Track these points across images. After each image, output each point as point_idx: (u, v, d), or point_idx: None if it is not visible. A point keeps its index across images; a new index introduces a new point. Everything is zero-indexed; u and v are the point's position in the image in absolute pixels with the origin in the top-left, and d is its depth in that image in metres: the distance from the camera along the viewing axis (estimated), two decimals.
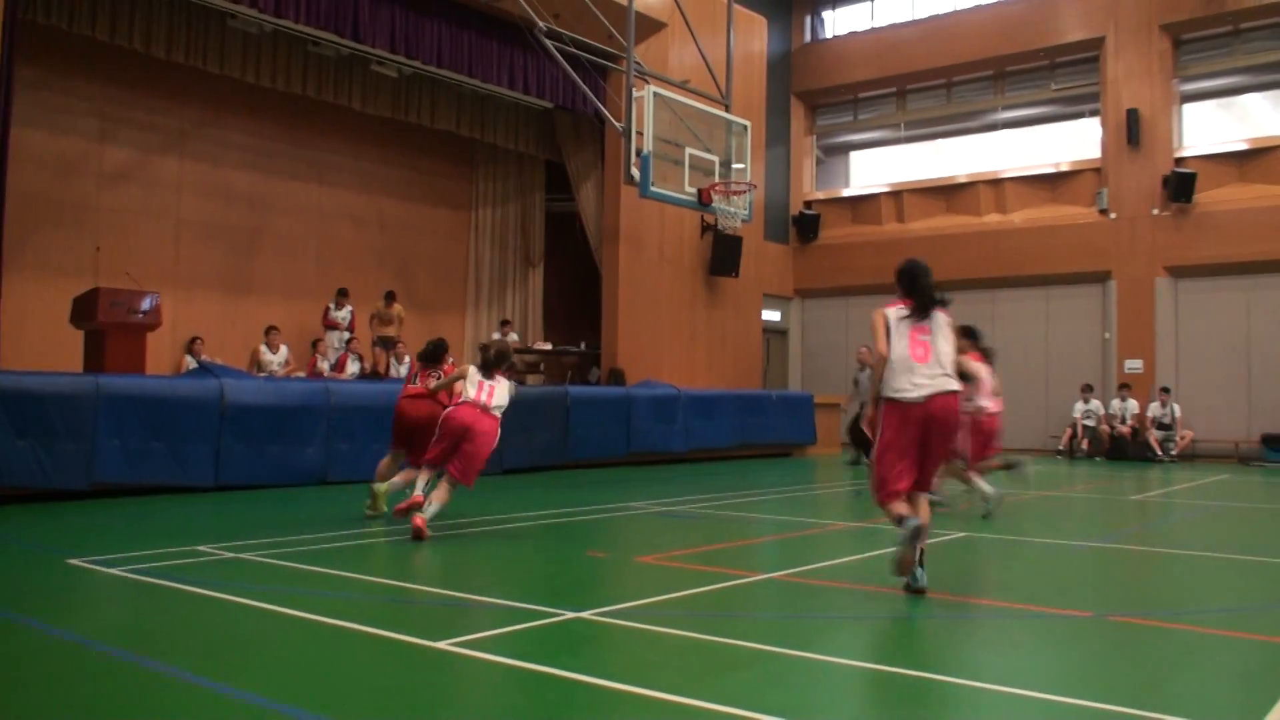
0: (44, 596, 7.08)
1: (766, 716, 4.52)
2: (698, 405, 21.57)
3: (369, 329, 21.65)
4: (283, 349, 19.90)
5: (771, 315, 30.09)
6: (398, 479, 11.13)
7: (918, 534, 7.26)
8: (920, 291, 7.90)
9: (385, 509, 11.09)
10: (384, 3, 18.93)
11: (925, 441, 7.63)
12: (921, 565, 7.39)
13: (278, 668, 5.35)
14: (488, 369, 10.53)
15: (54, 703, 4.72)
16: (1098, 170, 26.97)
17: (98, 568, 7.92)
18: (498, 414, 10.38)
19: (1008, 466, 13.63)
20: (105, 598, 7.20)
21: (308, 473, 14.97)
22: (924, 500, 7.74)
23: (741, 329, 26.36)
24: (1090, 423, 25.34)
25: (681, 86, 18.93)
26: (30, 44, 17.56)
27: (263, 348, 19.69)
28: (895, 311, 7.88)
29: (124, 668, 5.29)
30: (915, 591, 7.40)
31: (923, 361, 7.68)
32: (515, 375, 11.58)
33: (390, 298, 21.74)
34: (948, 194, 29.72)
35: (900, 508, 7.46)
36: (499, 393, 10.41)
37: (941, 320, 7.87)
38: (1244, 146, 25.35)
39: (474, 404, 10.26)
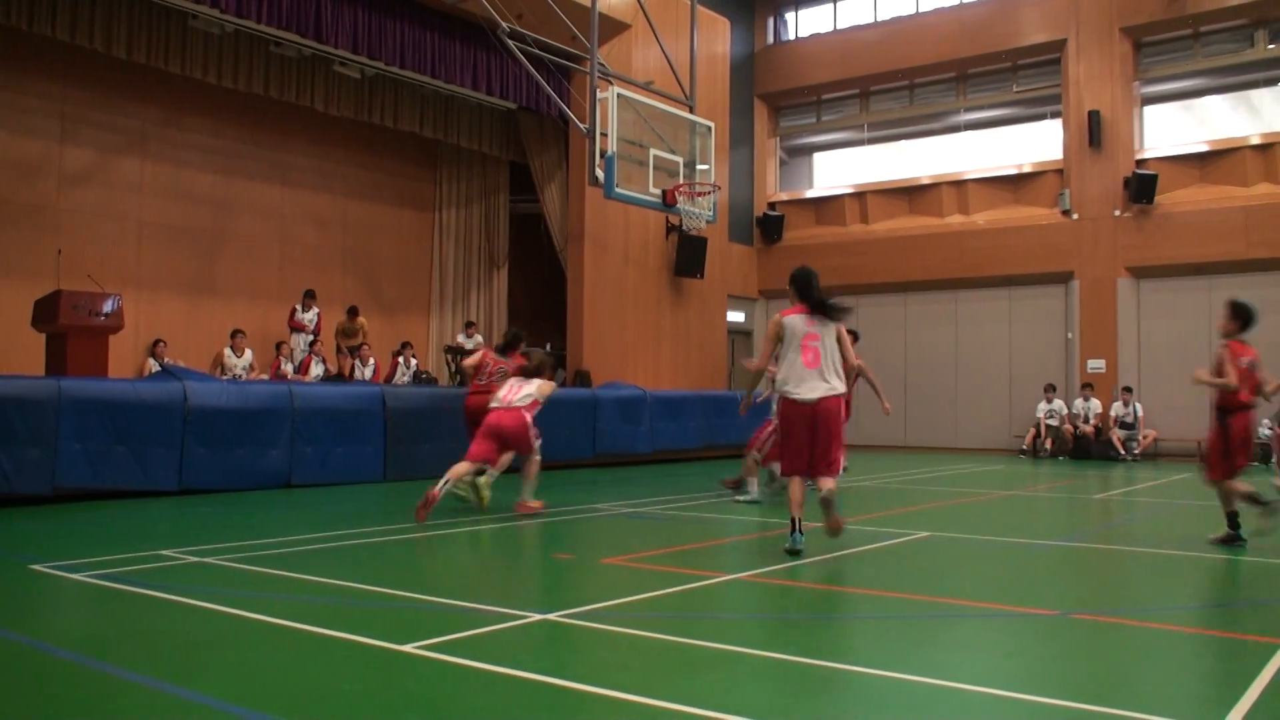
0: (6, 602, 7.03)
1: (733, 717, 4.52)
2: (663, 406, 21.59)
3: (333, 340, 21.58)
4: (247, 353, 19.79)
5: (736, 316, 30.12)
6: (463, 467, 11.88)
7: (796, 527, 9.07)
8: (811, 297, 9.49)
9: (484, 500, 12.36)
10: (346, 3, 18.87)
11: (814, 435, 9.12)
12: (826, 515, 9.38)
13: (242, 672, 5.32)
14: (525, 375, 12.54)
15: (15, 709, 4.68)
16: (1060, 171, 27.14)
17: (61, 573, 7.86)
18: (522, 403, 12.06)
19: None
20: (68, 603, 7.15)
21: (272, 476, 14.92)
22: (829, 480, 9.23)
23: (706, 330, 26.40)
24: (1053, 422, 25.47)
25: (645, 88, 18.94)
26: None
27: (227, 351, 19.58)
28: (790, 319, 9.41)
29: (87, 673, 5.26)
30: (792, 552, 9.00)
31: (813, 367, 9.18)
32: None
33: (353, 313, 21.66)
34: (911, 195, 29.85)
35: (796, 492, 9.30)
36: (524, 388, 12.19)
37: (830, 326, 9.42)
38: (1204, 148, 25.57)
39: (501, 404, 12.06)
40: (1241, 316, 10.65)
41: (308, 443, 15.46)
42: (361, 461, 16.21)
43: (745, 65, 31.57)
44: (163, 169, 20.35)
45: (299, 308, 21.04)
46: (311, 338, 20.90)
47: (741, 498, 13.91)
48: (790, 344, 9.30)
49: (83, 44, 17.59)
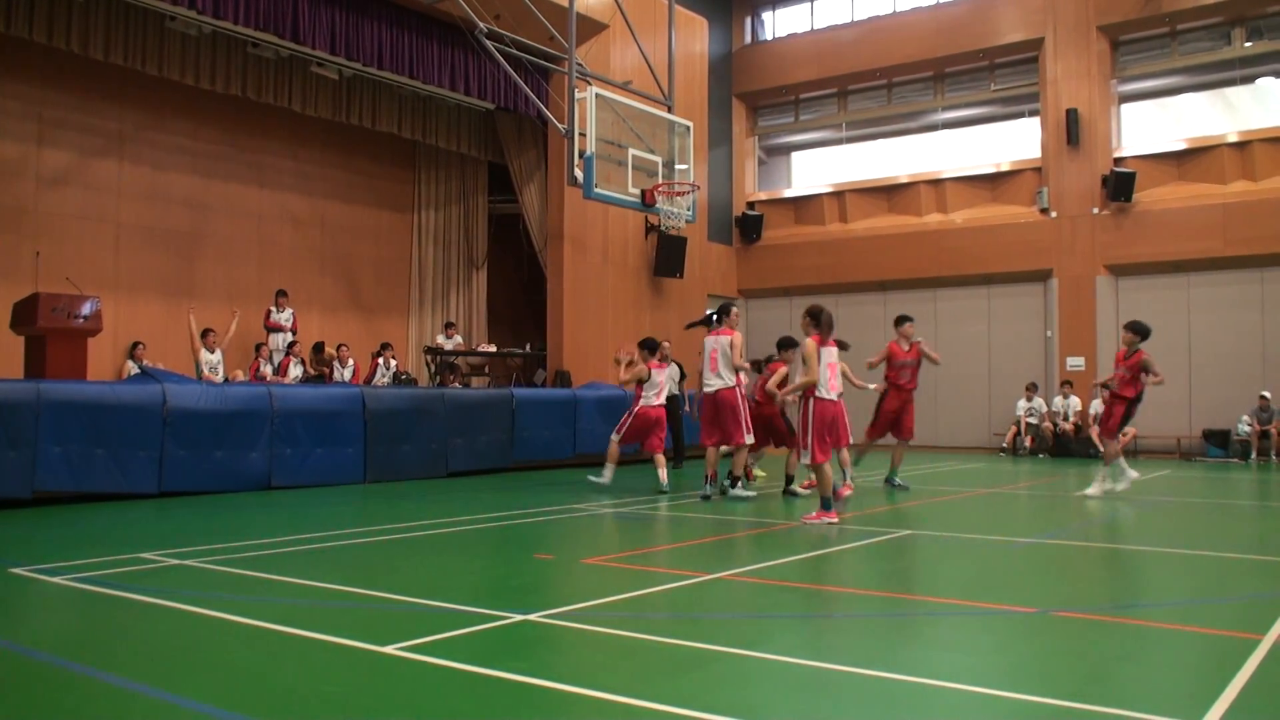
0: None
1: (716, 717, 4.53)
2: None
3: (310, 367, 21.40)
4: (217, 351, 19.60)
5: None
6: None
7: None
8: (709, 321, 14.35)
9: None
10: (323, 4, 18.83)
11: (715, 416, 14.19)
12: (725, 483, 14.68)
13: (223, 675, 5.31)
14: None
15: None
16: (1038, 170, 27.20)
17: (41, 576, 7.83)
18: None
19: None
20: (48, 606, 7.13)
21: (252, 478, 14.91)
22: (743, 452, 14.63)
23: (686, 330, 26.37)
24: (1033, 420, 25.52)
25: (623, 87, 18.93)
26: None
27: (202, 350, 19.42)
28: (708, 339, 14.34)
29: (66, 676, 5.24)
30: (704, 498, 14.04)
31: (712, 370, 14.17)
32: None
33: (320, 348, 21.47)
34: (889, 194, 29.88)
35: (711, 455, 14.31)
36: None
37: (723, 339, 14.15)
38: (1182, 146, 25.64)
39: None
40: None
41: (287, 444, 15.44)
42: (341, 463, 16.19)
43: (723, 65, 31.58)
44: (141, 171, 20.28)
45: (273, 309, 20.94)
46: (290, 338, 20.78)
47: (595, 479, 15.72)
48: (705, 357, 14.31)
49: (60, 46, 17.55)
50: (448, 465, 17.79)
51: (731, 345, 14.15)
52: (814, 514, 11.56)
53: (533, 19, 19.03)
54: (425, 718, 4.69)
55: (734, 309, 14.84)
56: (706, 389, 14.33)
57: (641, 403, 15.48)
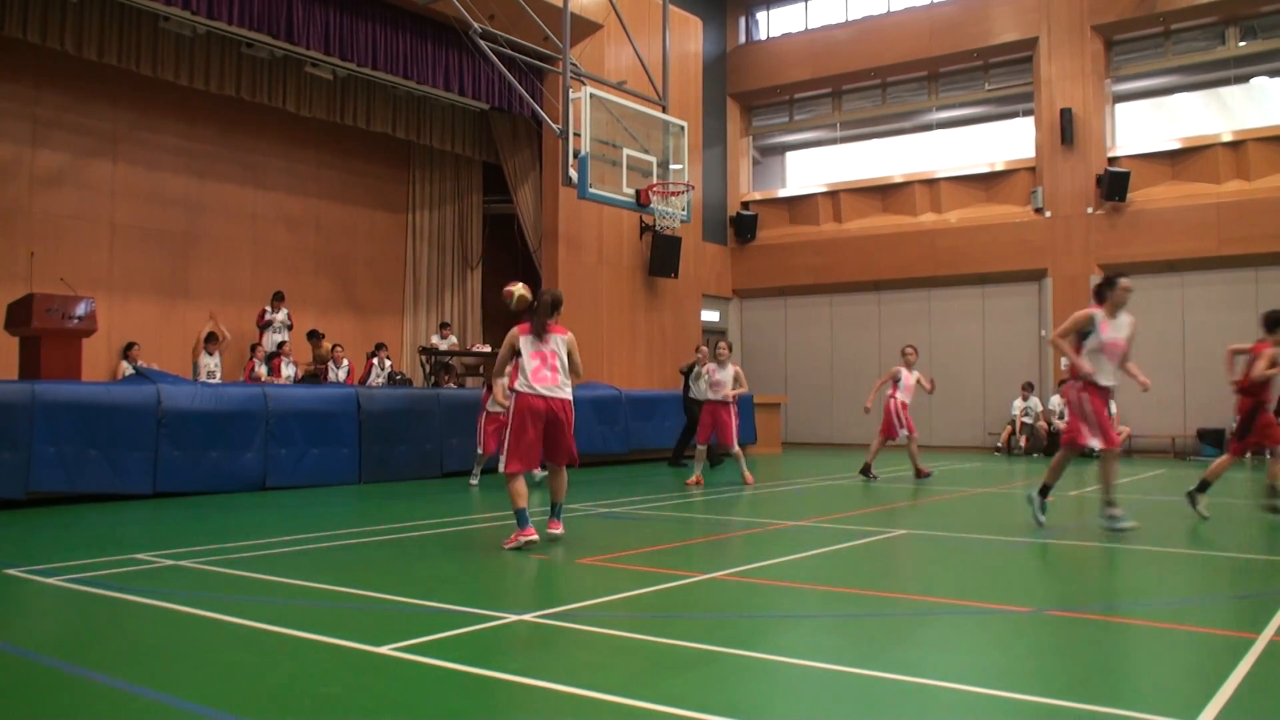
0: None
1: (711, 717, 4.52)
2: (638, 406, 21.58)
3: (310, 359, 21.38)
4: (216, 354, 19.60)
5: (710, 316, 30.14)
6: None
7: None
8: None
9: None
10: (317, 4, 18.79)
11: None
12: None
13: (218, 675, 5.30)
14: None
15: None
16: (1032, 169, 27.25)
17: (35, 577, 7.82)
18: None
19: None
20: (43, 607, 7.12)
21: (246, 479, 14.89)
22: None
23: (681, 329, 26.37)
24: (1029, 420, 25.52)
25: (618, 87, 18.94)
26: None
27: (203, 354, 19.39)
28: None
29: (62, 678, 5.23)
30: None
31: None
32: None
33: (318, 336, 21.44)
34: (884, 194, 29.93)
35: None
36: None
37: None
38: (1176, 145, 25.70)
39: None
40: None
41: (282, 445, 15.43)
42: (336, 464, 16.18)
43: (717, 65, 31.61)
44: (135, 171, 20.25)
45: (269, 310, 20.89)
46: (282, 338, 20.66)
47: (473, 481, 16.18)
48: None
49: (54, 46, 17.50)
50: (442, 466, 17.78)
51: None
52: (511, 537, 9.65)
53: (527, 19, 19.03)
54: (421, 718, 4.68)
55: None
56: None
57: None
